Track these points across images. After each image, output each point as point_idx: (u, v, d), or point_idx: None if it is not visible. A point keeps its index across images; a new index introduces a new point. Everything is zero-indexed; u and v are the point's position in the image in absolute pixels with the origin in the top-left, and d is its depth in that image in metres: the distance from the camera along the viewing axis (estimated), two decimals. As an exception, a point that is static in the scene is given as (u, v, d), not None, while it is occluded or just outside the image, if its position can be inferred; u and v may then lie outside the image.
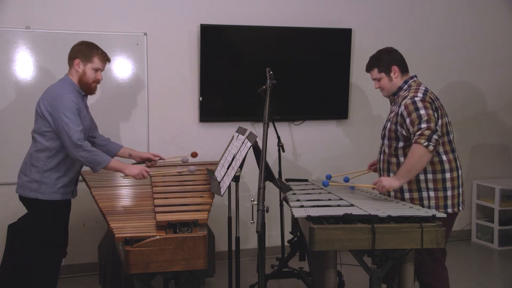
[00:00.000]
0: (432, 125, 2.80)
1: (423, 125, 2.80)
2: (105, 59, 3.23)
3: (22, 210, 3.41)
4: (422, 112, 2.83)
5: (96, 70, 3.18)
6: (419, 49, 4.87)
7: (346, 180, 3.36)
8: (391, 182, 2.87)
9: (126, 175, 3.22)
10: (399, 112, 2.94)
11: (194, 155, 3.80)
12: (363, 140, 4.82)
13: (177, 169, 3.48)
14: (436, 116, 2.86)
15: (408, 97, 2.92)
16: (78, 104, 3.10)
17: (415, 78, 3.09)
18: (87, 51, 3.15)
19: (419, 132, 2.80)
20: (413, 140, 2.81)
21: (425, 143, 2.76)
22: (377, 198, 3.03)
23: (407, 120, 2.88)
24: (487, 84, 5.19)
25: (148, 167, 3.54)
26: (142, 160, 3.63)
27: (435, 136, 2.77)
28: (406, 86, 3.05)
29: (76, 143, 2.97)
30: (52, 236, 3.17)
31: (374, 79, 3.15)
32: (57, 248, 3.23)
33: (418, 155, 2.79)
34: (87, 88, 3.20)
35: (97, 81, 3.22)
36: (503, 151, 5.34)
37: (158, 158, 3.62)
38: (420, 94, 2.91)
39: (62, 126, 2.99)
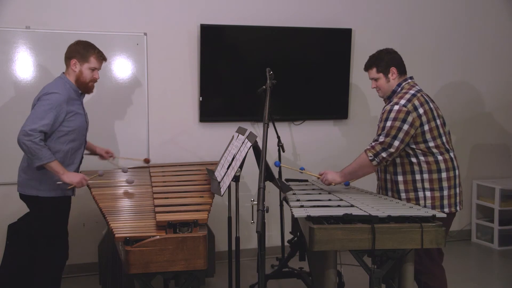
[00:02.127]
0: (388, 140, 2.87)
1: (381, 138, 2.91)
2: (102, 58, 3.25)
3: (22, 210, 3.41)
4: (389, 123, 2.90)
5: (93, 69, 3.20)
6: (419, 49, 4.87)
7: None
8: (334, 177, 3.09)
9: (64, 181, 3.05)
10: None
11: (146, 161, 4.00)
12: (363, 140, 4.78)
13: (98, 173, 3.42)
14: (406, 128, 2.87)
15: (392, 102, 2.98)
16: (68, 104, 3.08)
17: (409, 80, 3.09)
18: (83, 51, 3.17)
19: (373, 144, 2.92)
20: (366, 147, 2.95)
21: (371, 157, 2.91)
22: (377, 198, 3.03)
23: (379, 125, 2.98)
24: (486, 84, 5.19)
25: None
26: (94, 154, 3.65)
27: (383, 154, 2.89)
28: (399, 89, 3.06)
29: (27, 132, 2.93)
30: (53, 232, 3.17)
31: (371, 79, 3.16)
32: (58, 247, 3.23)
33: (361, 164, 2.97)
34: (84, 87, 3.22)
35: (94, 80, 3.24)
36: (503, 151, 5.34)
37: (110, 155, 3.68)
38: (402, 101, 2.93)
39: (32, 111, 3.02)
